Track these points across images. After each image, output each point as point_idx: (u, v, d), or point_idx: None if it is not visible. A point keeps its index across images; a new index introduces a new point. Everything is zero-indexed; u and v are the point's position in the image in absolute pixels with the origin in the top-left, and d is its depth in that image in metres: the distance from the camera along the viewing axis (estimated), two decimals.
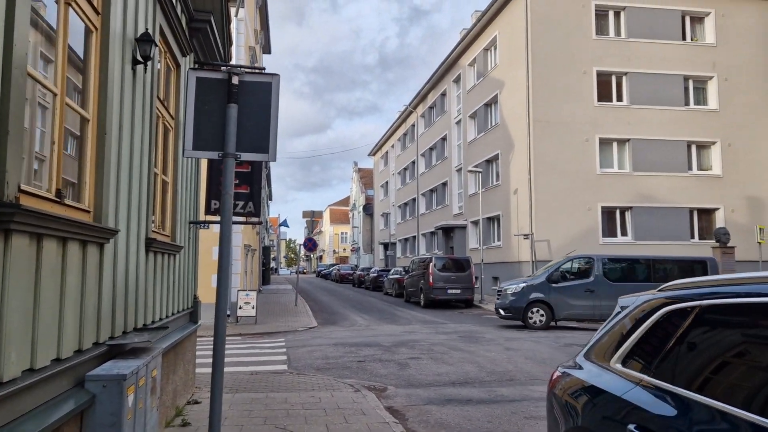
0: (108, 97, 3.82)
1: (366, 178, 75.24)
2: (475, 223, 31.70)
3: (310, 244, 23.24)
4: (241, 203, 7.52)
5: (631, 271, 16.64)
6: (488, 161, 29.93)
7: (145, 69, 4.82)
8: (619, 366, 2.82)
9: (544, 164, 24.76)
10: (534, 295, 16.18)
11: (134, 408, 3.66)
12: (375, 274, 37.21)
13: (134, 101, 4.57)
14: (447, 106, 37.60)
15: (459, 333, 14.96)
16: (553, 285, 16.21)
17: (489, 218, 29.21)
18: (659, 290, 2.87)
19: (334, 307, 24.05)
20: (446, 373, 9.53)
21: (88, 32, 3.69)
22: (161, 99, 5.82)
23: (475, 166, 29.71)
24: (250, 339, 14.59)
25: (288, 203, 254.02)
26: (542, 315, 16.13)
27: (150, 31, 4.96)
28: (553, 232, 24.48)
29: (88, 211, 3.64)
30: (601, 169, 25.34)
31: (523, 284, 16.53)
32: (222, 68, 4.27)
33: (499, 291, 17.39)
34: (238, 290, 17.41)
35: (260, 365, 10.57)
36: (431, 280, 22.93)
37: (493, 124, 29.66)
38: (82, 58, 3.65)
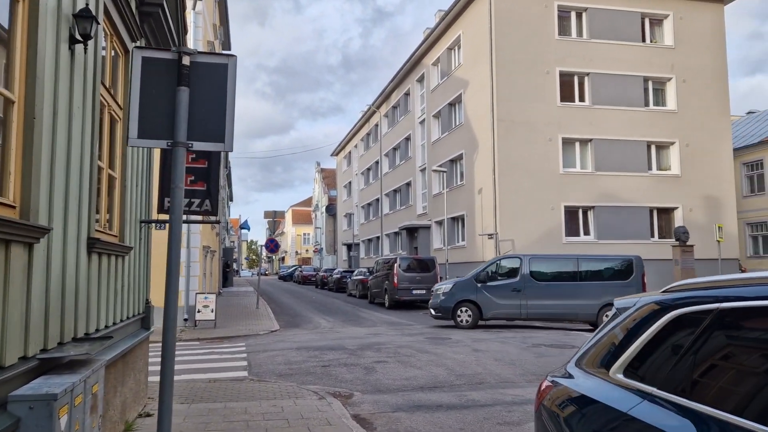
0: (38, 77, 3.35)
1: (329, 178, 74.61)
2: (440, 223, 31.55)
3: (272, 245, 22.62)
4: (197, 201, 7.05)
5: (558, 271, 16.65)
6: (452, 161, 29.82)
7: (86, 49, 4.33)
8: (620, 376, 2.52)
9: (508, 164, 24.74)
10: (462, 295, 16.38)
11: (69, 430, 3.20)
12: (338, 275, 36.76)
13: (72, 85, 4.09)
14: (411, 106, 37.41)
15: (425, 335, 14.67)
16: (481, 285, 16.38)
17: (453, 218, 29.11)
18: (664, 291, 2.58)
19: (296, 309, 23.52)
20: (414, 377, 9.20)
21: (13, 1, 3.22)
22: (107, 86, 5.32)
23: (440, 166, 29.55)
24: (208, 344, 14.00)
25: (250, 204, 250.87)
26: (470, 315, 16.31)
27: (93, 9, 4.48)
28: (518, 231, 24.48)
29: (13, 207, 3.17)
30: (564, 169, 25.47)
31: (452, 284, 16.77)
32: (172, 48, 3.84)
33: (432, 291, 17.64)
34: (197, 293, 16.77)
35: (219, 372, 10.06)
36: (396, 281, 22.63)
37: (457, 123, 29.58)
38: (6, 29, 3.18)
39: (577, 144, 25.94)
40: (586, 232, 25.72)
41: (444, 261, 26.55)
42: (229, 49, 32.01)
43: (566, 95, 25.97)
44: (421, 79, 35.76)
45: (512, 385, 8.49)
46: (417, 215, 35.18)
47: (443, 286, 17.01)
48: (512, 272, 16.55)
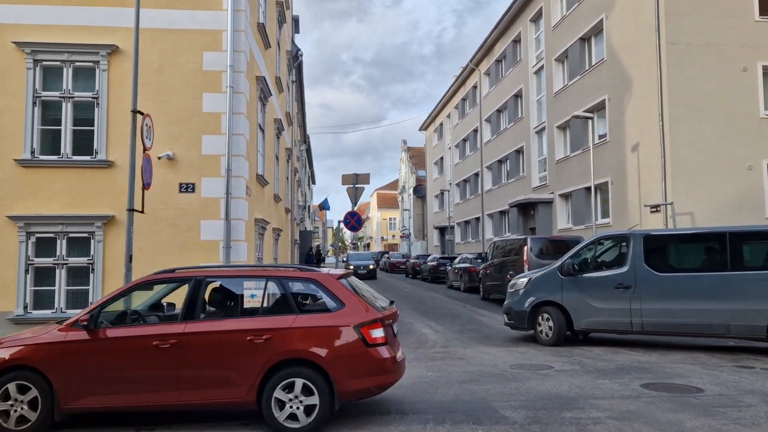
0: None
1: (416, 157, 68.58)
2: (567, 195, 24.50)
3: (353, 221, 16.52)
4: None
5: (692, 254, 10.10)
6: (588, 112, 22.59)
7: None
8: None
9: (684, 105, 17.38)
10: (541, 294, 10.73)
11: None
12: (434, 263, 30.39)
13: None
14: (521, 54, 30.28)
15: (629, 371, 7.97)
16: (568, 278, 10.52)
17: (589, 188, 21.94)
18: None
19: None
20: None
21: None
22: None
23: (572, 118, 22.31)
24: None
25: (340, 193, 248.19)
26: (551, 324, 10.51)
27: None
28: (698, 200, 17.15)
29: None
30: (766, 111, 17.78)
31: (526, 279, 11.23)
32: None
33: (508, 287, 11.77)
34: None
35: None
36: (527, 271, 15.96)
37: (594, 62, 22.32)
38: None
39: None
40: None
41: None
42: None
43: (767, 6, 18.19)
44: (536, 18, 28.54)
45: None
46: (532, 188, 28.18)
47: (520, 281, 11.30)
48: (618, 259, 10.34)
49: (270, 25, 16.11)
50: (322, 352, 5.30)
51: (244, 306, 6.54)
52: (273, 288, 5.94)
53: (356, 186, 16.59)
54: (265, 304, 6.02)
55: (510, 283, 11.70)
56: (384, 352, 5.40)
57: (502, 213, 33.20)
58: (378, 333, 5.39)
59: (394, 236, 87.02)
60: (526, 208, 27.96)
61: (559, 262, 10.83)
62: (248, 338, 5.43)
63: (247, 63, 12.08)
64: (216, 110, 11.32)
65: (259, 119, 13.94)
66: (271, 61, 16.63)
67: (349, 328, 5.36)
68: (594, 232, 19.25)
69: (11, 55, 10.88)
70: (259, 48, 13.86)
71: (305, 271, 6.05)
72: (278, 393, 5.32)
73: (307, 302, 6.02)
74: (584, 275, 10.38)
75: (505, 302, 11.47)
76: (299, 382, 5.32)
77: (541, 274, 11.02)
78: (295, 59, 24.54)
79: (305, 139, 42.01)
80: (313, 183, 72.98)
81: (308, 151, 48.06)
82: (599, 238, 10.90)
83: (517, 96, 30.99)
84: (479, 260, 22.35)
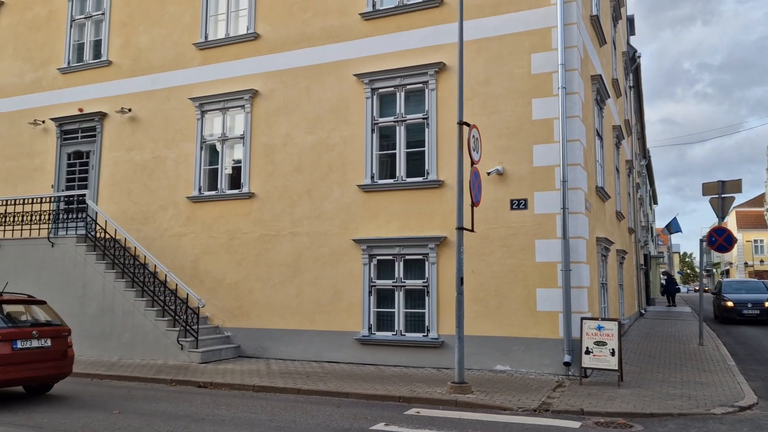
0: None
1: None
2: None
3: (721, 239, 13.17)
4: None
5: None
6: None
7: None
8: None
9: None
10: None
11: None
12: None
13: None
14: None
15: None
16: None
17: None
18: None
19: None
20: None
21: None
22: None
23: None
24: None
25: (687, 215, 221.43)
26: None
27: None
28: None
29: None
30: None
31: None
32: None
33: None
34: (583, 318, 9.34)
35: None
36: None
37: None
38: None
39: None
40: None
41: None
42: None
43: None
44: None
45: None
46: None
47: None
48: None
49: (604, 21, 14.34)
50: None
51: None
52: None
53: (722, 196, 13.38)
54: None
55: None
56: None
57: None
58: None
59: (762, 261, 72.94)
60: None
61: None
62: None
63: (581, 60, 10.61)
64: (547, 116, 10.12)
65: (596, 124, 12.24)
66: (607, 61, 14.77)
67: None
68: None
69: (353, 88, 11.53)
70: (593, 44, 12.25)
71: None
72: None
73: None
74: None
75: None
76: None
77: None
78: (632, 61, 21.96)
79: (645, 153, 37.90)
80: (655, 203, 65.92)
81: (648, 167, 43.30)
82: None
83: None
84: None
